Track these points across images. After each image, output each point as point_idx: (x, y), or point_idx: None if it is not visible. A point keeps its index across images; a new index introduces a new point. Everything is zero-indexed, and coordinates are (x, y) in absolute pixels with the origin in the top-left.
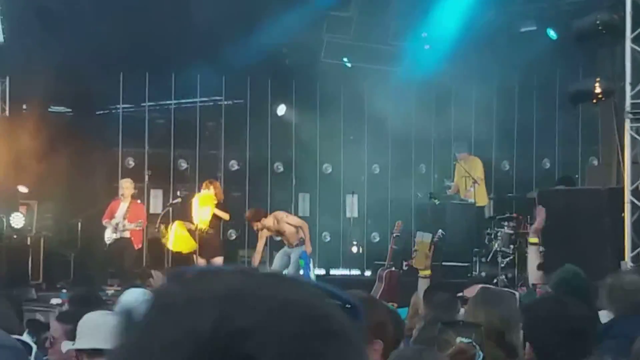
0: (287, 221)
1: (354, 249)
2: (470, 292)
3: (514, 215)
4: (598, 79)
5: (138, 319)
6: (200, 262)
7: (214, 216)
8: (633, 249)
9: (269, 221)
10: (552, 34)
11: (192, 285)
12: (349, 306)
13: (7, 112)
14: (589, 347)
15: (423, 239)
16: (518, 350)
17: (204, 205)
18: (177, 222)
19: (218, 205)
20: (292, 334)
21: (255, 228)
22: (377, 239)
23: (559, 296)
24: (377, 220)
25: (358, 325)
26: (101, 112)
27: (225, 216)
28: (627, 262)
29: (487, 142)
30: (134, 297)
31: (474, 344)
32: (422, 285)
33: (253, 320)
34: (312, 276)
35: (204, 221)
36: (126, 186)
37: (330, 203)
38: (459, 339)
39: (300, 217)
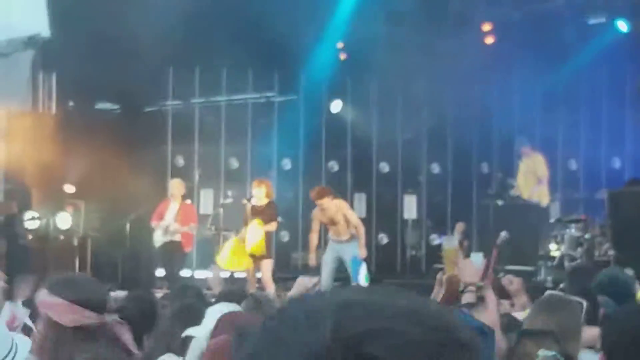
0: (346, 213)
1: (413, 252)
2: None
3: (582, 217)
4: None
5: (261, 335)
6: (249, 264)
7: (264, 221)
8: None
9: (331, 203)
10: (621, 26)
11: (311, 300)
12: (481, 332)
13: (53, 109)
14: None
15: (450, 244)
16: None
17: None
18: (234, 239)
19: (269, 205)
20: (420, 339)
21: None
22: (436, 242)
23: None
24: (437, 222)
25: (489, 351)
26: (149, 109)
27: (273, 227)
28: None
29: (552, 138)
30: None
31: (558, 357)
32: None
33: (378, 325)
34: (363, 281)
35: (257, 245)
36: (176, 186)
37: (387, 203)
38: (542, 353)
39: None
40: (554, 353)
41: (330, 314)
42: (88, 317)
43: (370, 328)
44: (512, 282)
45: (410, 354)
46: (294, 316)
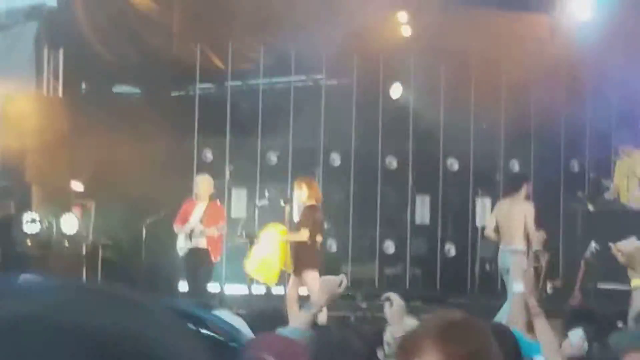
0: None
1: (487, 266)
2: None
3: None
4: None
5: None
6: (292, 276)
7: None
8: None
9: None
10: None
11: None
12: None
13: (60, 92)
14: None
15: None
16: None
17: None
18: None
19: (309, 209)
20: None
21: None
22: None
23: None
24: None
25: None
26: (176, 93)
27: (301, 237)
28: None
29: None
30: None
31: None
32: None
33: None
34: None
35: (273, 259)
36: (203, 184)
37: (456, 208)
38: None
39: (418, 225)
40: None
41: None
42: None
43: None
44: None
45: None
46: None
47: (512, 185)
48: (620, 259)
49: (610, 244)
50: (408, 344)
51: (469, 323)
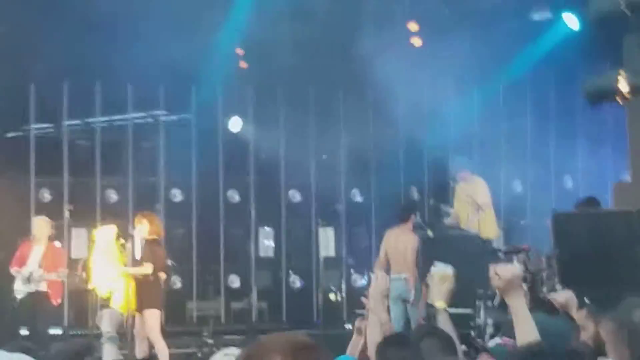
0: None
1: (332, 296)
2: None
3: (524, 247)
4: (623, 73)
5: None
6: (135, 315)
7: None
8: None
9: None
10: (569, 21)
11: None
12: None
13: None
14: None
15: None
16: None
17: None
18: None
19: (151, 243)
20: None
21: None
22: (359, 282)
23: None
24: (359, 259)
25: None
26: (11, 134)
27: (145, 270)
28: None
29: (493, 156)
30: None
31: None
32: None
33: None
34: None
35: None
36: (40, 225)
37: (299, 239)
38: None
39: (262, 257)
40: None
41: None
42: None
43: None
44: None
45: None
46: None
47: (401, 217)
48: (497, 282)
49: (490, 266)
50: (254, 357)
51: (314, 345)
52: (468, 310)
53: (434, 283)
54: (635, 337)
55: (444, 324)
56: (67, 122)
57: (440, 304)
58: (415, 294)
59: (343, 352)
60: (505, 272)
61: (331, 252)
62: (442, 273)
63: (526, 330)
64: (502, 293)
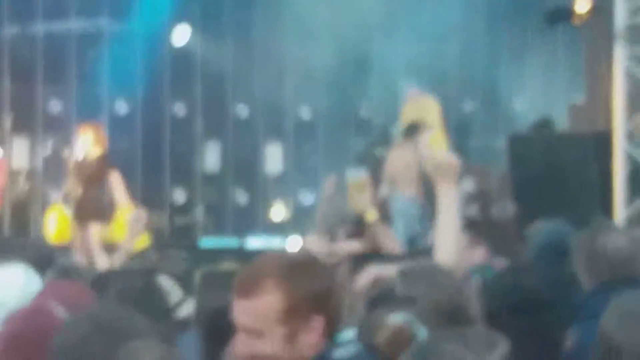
0: None
1: (278, 213)
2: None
3: (475, 167)
4: None
5: None
6: (76, 227)
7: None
8: (626, 205)
9: None
10: None
11: None
12: None
13: None
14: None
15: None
16: None
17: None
18: (55, 205)
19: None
20: None
21: None
22: (309, 200)
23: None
24: (307, 176)
25: None
26: None
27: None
28: (618, 223)
29: (442, 75)
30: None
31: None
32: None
33: None
34: None
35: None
36: None
37: (246, 155)
38: (392, 317)
39: (209, 175)
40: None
41: None
42: None
43: None
44: None
45: None
46: None
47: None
48: (428, 168)
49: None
50: (247, 282)
51: (312, 263)
52: None
53: (351, 194)
54: (597, 261)
55: (384, 238)
56: (7, 30)
57: (371, 215)
58: None
59: None
60: (437, 155)
61: (278, 169)
62: (356, 181)
63: (447, 229)
64: (434, 181)
